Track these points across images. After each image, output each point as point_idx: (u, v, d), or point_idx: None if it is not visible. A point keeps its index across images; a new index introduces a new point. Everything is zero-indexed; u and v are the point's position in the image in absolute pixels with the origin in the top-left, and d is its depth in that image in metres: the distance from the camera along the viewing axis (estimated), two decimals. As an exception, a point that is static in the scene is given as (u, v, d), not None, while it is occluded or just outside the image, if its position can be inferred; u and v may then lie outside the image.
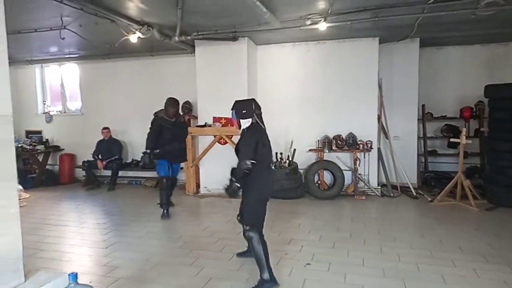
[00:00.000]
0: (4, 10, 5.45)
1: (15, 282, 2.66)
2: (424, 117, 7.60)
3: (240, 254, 4.10)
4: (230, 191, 3.40)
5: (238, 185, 3.35)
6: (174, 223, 5.44)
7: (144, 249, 4.40)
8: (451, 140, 6.40)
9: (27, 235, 4.91)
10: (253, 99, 3.65)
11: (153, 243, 4.60)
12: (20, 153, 8.58)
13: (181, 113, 6.27)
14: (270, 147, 3.59)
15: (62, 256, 4.21)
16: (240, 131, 3.53)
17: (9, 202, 2.65)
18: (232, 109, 3.56)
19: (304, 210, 5.99)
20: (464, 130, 6.03)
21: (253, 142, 3.35)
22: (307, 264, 3.84)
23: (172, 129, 5.69)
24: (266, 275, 3.35)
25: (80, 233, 5.07)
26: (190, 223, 5.44)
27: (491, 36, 6.91)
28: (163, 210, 5.70)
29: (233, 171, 3.41)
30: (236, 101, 3.62)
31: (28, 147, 8.59)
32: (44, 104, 9.32)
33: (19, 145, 8.58)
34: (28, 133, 9.20)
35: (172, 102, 5.75)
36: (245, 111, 3.47)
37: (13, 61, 8.81)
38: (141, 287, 3.46)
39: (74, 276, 2.57)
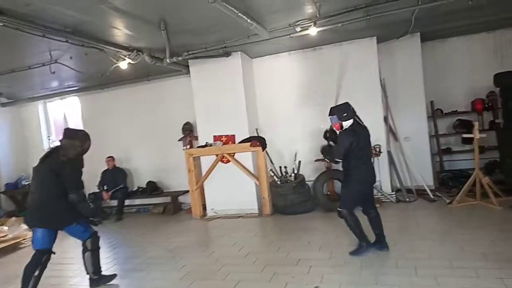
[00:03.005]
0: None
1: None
2: (434, 114, 7.24)
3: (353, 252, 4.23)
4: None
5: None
6: (179, 251, 5.19)
7: (145, 282, 4.19)
8: (464, 136, 6.01)
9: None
10: (347, 103, 4.21)
11: (155, 275, 4.37)
12: (28, 192, 8.58)
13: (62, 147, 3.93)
14: (369, 142, 4.26)
15: (60, 298, 4.02)
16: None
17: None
18: (331, 115, 4.13)
19: (315, 225, 5.68)
20: (476, 124, 5.65)
21: (347, 144, 4.00)
22: (316, 287, 3.53)
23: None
24: (363, 242, 4.18)
25: (82, 271, 4.81)
26: (195, 250, 5.19)
27: (495, 22, 6.55)
28: None
29: (326, 148, 4.41)
30: (333, 107, 4.22)
31: (36, 184, 8.57)
32: (49, 139, 9.35)
33: (27, 183, 8.60)
34: (36, 169, 9.21)
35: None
36: (345, 114, 4.07)
37: (15, 99, 8.93)
38: (137, 328, 3.22)
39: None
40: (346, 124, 4.07)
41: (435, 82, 7.32)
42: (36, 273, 3.73)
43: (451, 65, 7.33)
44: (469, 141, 6.27)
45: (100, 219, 4.28)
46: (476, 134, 5.55)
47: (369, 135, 4.25)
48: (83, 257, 4.10)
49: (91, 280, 4.16)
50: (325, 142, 4.59)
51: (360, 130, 4.12)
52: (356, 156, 4.05)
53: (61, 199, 3.74)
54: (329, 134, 4.47)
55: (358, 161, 4.07)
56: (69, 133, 3.98)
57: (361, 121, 4.20)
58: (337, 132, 4.19)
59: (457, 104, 7.28)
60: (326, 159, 4.37)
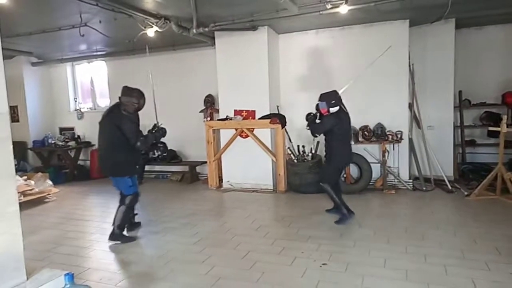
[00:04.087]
0: (26, 11, 5.50)
1: (16, 281, 2.65)
2: (461, 104, 7.02)
3: (328, 210, 5.13)
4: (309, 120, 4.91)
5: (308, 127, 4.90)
6: (193, 218, 5.36)
7: (159, 245, 4.37)
8: (490, 129, 5.84)
9: (50, 229, 5.11)
10: (335, 91, 4.72)
11: (169, 238, 4.55)
12: (54, 150, 8.94)
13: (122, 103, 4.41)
14: (349, 125, 4.80)
15: (79, 252, 4.25)
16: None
17: (8, 201, 2.63)
18: (320, 101, 4.63)
19: (327, 205, 5.69)
20: (504, 118, 5.46)
21: (329, 125, 4.61)
22: (323, 264, 3.61)
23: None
24: (344, 211, 4.75)
25: (101, 228, 5.10)
26: (209, 219, 5.33)
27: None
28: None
29: (310, 117, 4.90)
30: (323, 94, 4.67)
31: (61, 143, 8.89)
32: (76, 101, 9.60)
33: (53, 142, 8.93)
34: (62, 130, 9.53)
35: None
36: (333, 101, 4.58)
37: (45, 60, 9.15)
38: (150, 285, 3.39)
39: (70, 276, 2.52)
40: (333, 110, 4.59)
41: (466, 72, 7.06)
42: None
43: (484, 55, 7.03)
44: (495, 134, 6.10)
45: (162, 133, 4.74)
46: (504, 128, 5.38)
47: (350, 120, 4.80)
48: (117, 209, 4.51)
49: (113, 233, 4.48)
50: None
51: (343, 116, 4.66)
52: (338, 138, 4.66)
53: (123, 150, 4.28)
54: (311, 117, 4.93)
55: (340, 143, 4.68)
56: (127, 91, 4.42)
57: (345, 108, 4.72)
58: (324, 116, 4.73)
59: (486, 95, 7.02)
60: (307, 127, 4.89)
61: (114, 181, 4.53)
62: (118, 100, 4.43)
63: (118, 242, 4.42)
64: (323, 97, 4.64)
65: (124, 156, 4.32)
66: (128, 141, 4.27)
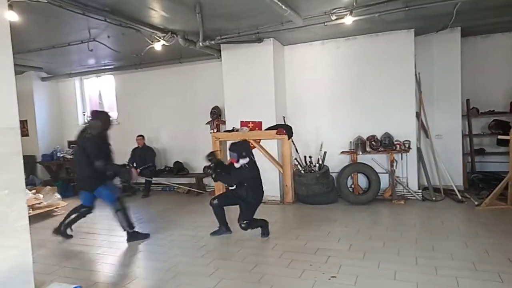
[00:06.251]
0: (37, 28, 5.65)
1: (25, 295, 2.66)
2: (469, 113, 6.98)
3: (213, 233, 5.03)
4: (207, 174, 4.90)
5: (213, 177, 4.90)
6: (200, 230, 5.34)
7: (166, 258, 4.34)
8: (500, 137, 5.78)
9: (58, 243, 5.10)
10: (246, 141, 4.99)
11: (176, 251, 4.53)
12: (63, 163, 9.03)
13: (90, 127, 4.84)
14: (258, 170, 4.89)
15: (86, 265, 4.24)
16: (239, 165, 4.66)
17: (18, 215, 2.66)
18: (231, 151, 4.68)
19: (336, 217, 5.67)
20: (514, 126, 5.42)
21: (245, 175, 4.69)
22: (332, 277, 3.55)
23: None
24: (223, 227, 5.04)
25: (108, 241, 5.11)
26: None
27: (544, 20, 6.19)
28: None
29: (221, 174, 4.83)
30: (233, 145, 4.74)
31: (69, 156, 8.97)
32: (84, 115, 9.71)
33: (61, 155, 9.02)
34: (70, 143, 9.61)
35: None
36: (244, 153, 4.68)
37: (54, 75, 9.31)
38: (157, 299, 3.37)
39: (78, 289, 2.54)
40: (242, 161, 4.65)
41: (473, 80, 7.05)
42: (73, 216, 5.13)
43: (492, 62, 7.03)
44: (504, 143, 6.03)
45: (128, 179, 5.17)
46: (513, 136, 5.33)
47: (257, 166, 4.92)
48: (116, 217, 4.94)
49: (128, 234, 4.95)
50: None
51: (254, 165, 4.78)
52: (255, 185, 4.77)
53: (89, 168, 4.73)
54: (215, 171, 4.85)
55: (257, 187, 4.81)
56: (94, 114, 4.99)
57: (253, 156, 4.83)
58: (234, 164, 4.73)
59: (494, 104, 6.98)
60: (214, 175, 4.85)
61: (93, 195, 5.03)
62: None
63: (137, 240, 4.91)
64: (233, 148, 4.71)
65: (91, 171, 4.74)
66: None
